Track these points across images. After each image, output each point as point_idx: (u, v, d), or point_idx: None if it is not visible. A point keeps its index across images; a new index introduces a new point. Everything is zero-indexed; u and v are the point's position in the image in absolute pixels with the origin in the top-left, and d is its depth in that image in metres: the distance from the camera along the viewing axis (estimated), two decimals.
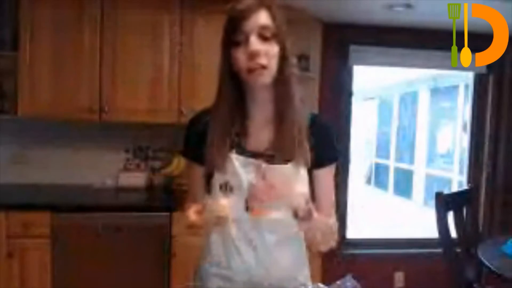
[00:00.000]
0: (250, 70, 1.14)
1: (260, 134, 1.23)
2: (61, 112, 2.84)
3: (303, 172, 1.21)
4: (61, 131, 3.14)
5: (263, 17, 1.14)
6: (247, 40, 1.13)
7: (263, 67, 1.13)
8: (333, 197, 1.32)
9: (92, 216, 2.65)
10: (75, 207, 2.70)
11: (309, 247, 1.31)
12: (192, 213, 1.12)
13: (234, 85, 1.20)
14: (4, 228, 2.54)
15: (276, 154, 1.20)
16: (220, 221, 1.09)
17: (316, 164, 1.23)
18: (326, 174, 1.28)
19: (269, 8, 1.16)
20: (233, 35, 1.14)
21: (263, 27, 1.13)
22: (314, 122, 1.26)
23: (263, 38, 1.13)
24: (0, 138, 3.09)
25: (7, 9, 2.85)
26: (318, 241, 1.26)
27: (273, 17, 1.15)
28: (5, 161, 3.08)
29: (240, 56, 1.14)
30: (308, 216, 1.09)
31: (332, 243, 1.29)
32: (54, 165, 3.15)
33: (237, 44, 1.14)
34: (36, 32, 2.77)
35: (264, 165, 1.18)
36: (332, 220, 1.29)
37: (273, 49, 1.15)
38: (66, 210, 2.63)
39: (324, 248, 1.29)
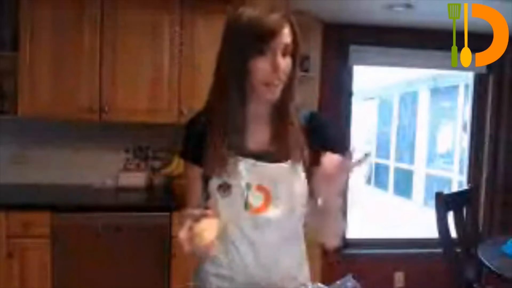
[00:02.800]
0: (268, 84, 1.15)
1: (259, 133, 1.23)
2: (61, 112, 2.84)
3: (302, 171, 1.21)
4: (61, 131, 3.14)
5: (287, 35, 1.14)
6: (273, 54, 1.12)
7: (281, 83, 1.15)
8: None
9: (92, 216, 2.65)
10: (75, 207, 2.70)
11: (315, 241, 1.28)
12: (183, 232, 1.04)
13: (241, 88, 1.19)
14: (4, 228, 2.54)
15: (275, 153, 1.20)
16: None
17: (314, 162, 1.23)
18: None
19: (291, 24, 1.16)
20: (259, 46, 1.12)
21: (287, 45, 1.14)
22: (312, 119, 1.27)
23: (284, 54, 1.14)
24: (0, 138, 3.10)
25: (7, 9, 2.85)
26: (330, 229, 1.22)
27: (294, 33, 1.16)
28: (5, 161, 3.08)
29: (264, 67, 1.13)
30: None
31: (338, 238, 1.26)
32: (54, 165, 3.15)
33: (261, 54, 1.13)
34: (36, 32, 2.77)
35: (263, 164, 1.19)
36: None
37: (289, 64, 1.16)
38: (66, 210, 2.63)
39: (332, 241, 1.25)
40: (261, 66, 1.13)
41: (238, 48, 1.14)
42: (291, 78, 1.19)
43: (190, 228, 1.04)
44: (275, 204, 1.19)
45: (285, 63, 1.14)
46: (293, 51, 1.17)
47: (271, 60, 1.13)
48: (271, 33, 1.12)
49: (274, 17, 1.13)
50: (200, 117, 1.26)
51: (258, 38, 1.12)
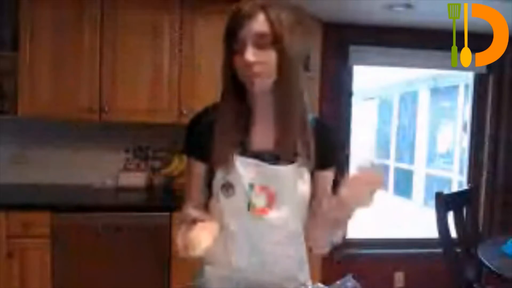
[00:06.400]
0: (246, 78, 1.14)
1: (264, 134, 1.22)
2: (61, 112, 2.84)
3: (306, 173, 1.21)
4: (61, 131, 3.14)
5: (259, 24, 1.11)
6: (244, 48, 1.11)
7: (257, 75, 1.13)
8: None
9: (92, 216, 2.65)
10: (75, 207, 2.69)
11: (315, 245, 1.30)
12: (179, 239, 1.07)
13: (238, 87, 1.19)
14: (4, 228, 2.54)
15: (280, 154, 1.20)
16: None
17: (317, 166, 1.23)
18: (327, 176, 1.28)
19: (267, 13, 1.12)
20: (231, 43, 1.13)
21: (259, 35, 1.11)
22: (316, 124, 1.26)
23: (259, 46, 1.11)
24: (0, 138, 3.10)
25: (7, 9, 2.85)
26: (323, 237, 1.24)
27: (271, 22, 1.12)
28: (5, 161, 3.08)
29: (239, 63, 1.13)
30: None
31: (328, 248, 1.28)
32: (54, 165, 3.15)
33: (235, 52, 1.13)
34: (36, 32, 2.77)
35: (266, 165, 1.19)
36: None
37: (270, 56, 1.12)
38: (66, 210, 2.63)
39: (321, 250, 1.29)
40: (237, 62, 1.14)
41: (223, 46, 1.17)
42: (281, 71, 1.14)
43: (186, 232, 1.03)
44: (277, 205, 1.19)
45: (260, 55, 1.11)
46: (274, 41, 1.12)
47: (241, 53, 1.12)
48: (238, 24, 1.11)
49: (246, 7, 1.12)
50: (202, 117, 1.26)
51: (229, 33, 1.13)
